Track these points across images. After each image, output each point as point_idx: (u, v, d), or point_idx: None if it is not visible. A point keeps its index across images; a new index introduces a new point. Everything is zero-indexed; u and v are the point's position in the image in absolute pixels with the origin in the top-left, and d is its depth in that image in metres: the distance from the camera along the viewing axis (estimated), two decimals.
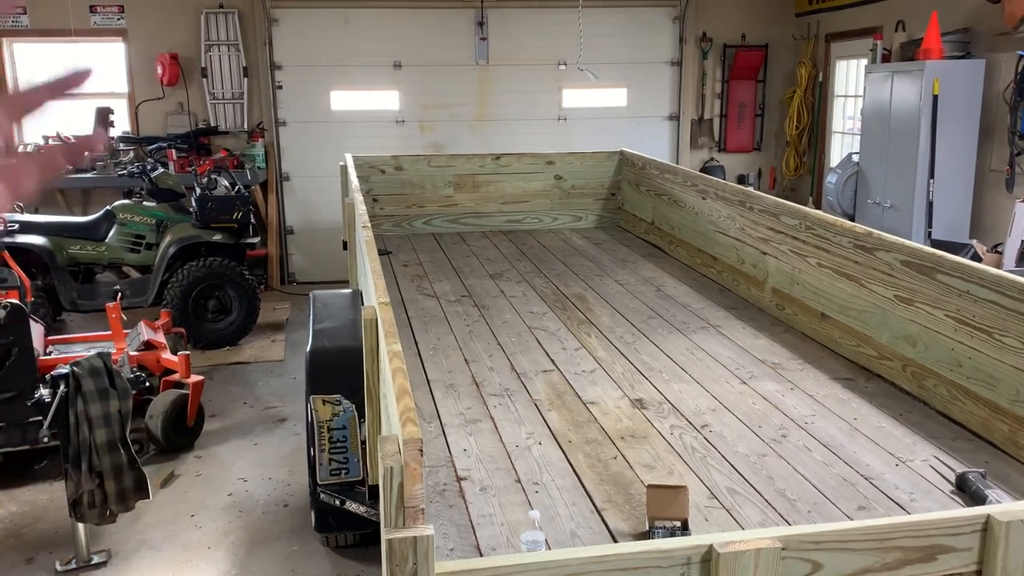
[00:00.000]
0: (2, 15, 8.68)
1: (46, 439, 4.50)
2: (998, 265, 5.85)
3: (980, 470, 2.52)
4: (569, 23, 8.27)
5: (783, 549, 1.69)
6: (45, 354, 5.34)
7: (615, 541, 2.24)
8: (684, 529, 2.23)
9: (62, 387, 3.90)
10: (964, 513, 1.83)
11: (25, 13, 8.80)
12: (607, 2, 9.39)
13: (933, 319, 3.06)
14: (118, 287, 7.09)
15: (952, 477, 2.54)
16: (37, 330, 5.34)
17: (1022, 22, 6.36)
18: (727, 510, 2.39)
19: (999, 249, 6.26)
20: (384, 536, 1.61)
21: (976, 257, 6.02)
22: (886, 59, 7.72)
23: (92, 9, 8.90)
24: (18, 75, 9.11)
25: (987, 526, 1.79)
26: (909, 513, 2.35)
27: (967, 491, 2.44)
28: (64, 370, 3.93)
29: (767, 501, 2.44)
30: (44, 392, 4.42)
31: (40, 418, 4.39)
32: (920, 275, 3.12)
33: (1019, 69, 6.29)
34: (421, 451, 1.65)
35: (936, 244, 6.21)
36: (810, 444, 2.81)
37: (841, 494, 2.47)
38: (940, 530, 1.78)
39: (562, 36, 9.12)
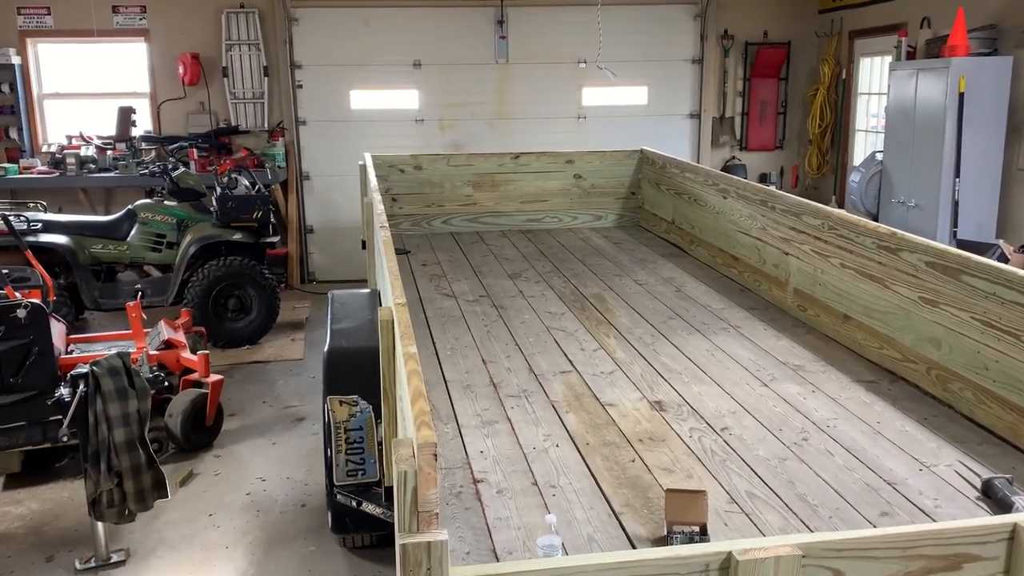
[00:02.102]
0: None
1: (66, 438, 4.52)
2: None
3: (1007, 476, 2.47)
4: (589, 21, 8.22)
5: (803, 557, 1.66)
6: (66, 353, 5.38)
7: (633, 546, 2.21)
8: (703, 534, 2.20)
9: (81, 386, 3.92)
10: (990, 521, 1.79)
11: (49, 14, 8.88)
12: (627, 0, 9.33)
13: (959, 321, 3.00)
14: (139, 286, 7.15)
15: (977, 483, 2.49)
16: (58, 329, 5.38)
17: None
18: (747, 515, 2.36)
19: None
20: (398, 541, 1.60)
21: (1003, 258, 5.92)
22: (911, 56, 7.61)
23: (115, 9, 8.97)
24: (43, 75, 9.20)
25: (1014, 535, 1.75)
26: (933, 520, 2.30)
27: (993, 498, 2.39)
28: (84, 369, 3.95)
29: (787, 506, 2.40)
30: (64, 391, 4.45)
31: (60, 417, 4.42)
32: (945, 276, 3.07)
33: None
34: (436, 455, 1.63)
35: (962, 244, 6.11)
36: (832, 448, 2.76)
37: (863, 499, 2.43)
38: (965, 538, 1.74)
39: (582, 34, 9.07)
